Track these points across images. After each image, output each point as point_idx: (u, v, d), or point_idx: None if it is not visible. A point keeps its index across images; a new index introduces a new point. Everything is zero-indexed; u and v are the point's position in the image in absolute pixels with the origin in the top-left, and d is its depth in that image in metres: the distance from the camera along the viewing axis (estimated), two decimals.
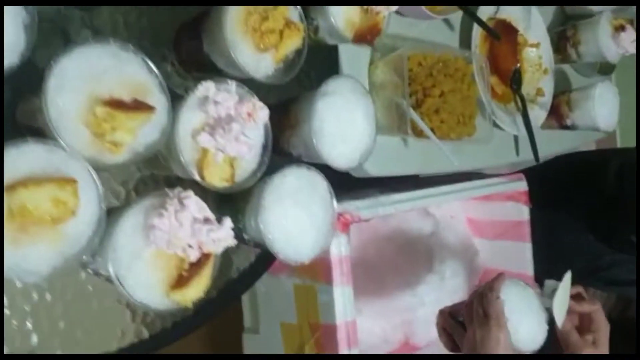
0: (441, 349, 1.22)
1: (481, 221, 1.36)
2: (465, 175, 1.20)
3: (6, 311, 0.64)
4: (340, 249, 0.96)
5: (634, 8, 1.32)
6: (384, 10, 0.77)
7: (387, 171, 0.99)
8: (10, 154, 0.52)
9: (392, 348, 1.24)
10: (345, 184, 1.07)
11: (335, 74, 0.91)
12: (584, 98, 1.19)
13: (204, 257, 0.62)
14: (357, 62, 0.96)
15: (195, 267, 0.61)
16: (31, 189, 0.51)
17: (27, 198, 0.51)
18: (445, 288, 1.22)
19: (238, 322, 1.18)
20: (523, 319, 0.84)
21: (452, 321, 0.92)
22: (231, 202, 0.75)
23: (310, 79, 0.90)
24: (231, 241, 0.63)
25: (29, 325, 0.65)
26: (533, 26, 1.23)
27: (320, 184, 0.74)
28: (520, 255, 1.30)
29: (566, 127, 1.24)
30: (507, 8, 1.18)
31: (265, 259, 0.86)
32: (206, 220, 0.61)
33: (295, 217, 0.71)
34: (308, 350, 1.01)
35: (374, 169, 0.97)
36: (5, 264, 0.51)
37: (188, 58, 0.76)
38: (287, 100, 0.80)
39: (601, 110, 1.17)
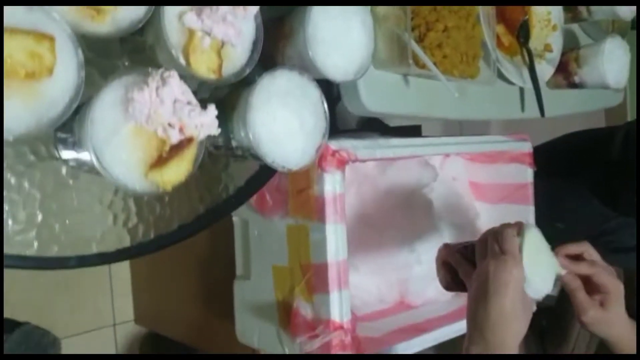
0: (436, 310, 1.19)
1: (484, 184, 1.33)
2: None
3: None
4: (334, 186, 0.94)
5: None
6: None
7: (386, 108, 0.97)
8: None
9: (387, 307, 1.21)
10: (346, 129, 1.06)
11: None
12: (593, 54, 1.16)
13: (186, 141, 0.60)
14: None
15: (176, 149, 0.59)
16: (6, 37, 0.49)
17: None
18: None
19: (232, 274, 1.16)
20: (536, 264, 0.81)
21: (459, 255, 0.88)
22: (220, 109, 0.73)
23: None
24: (214, 129, 0.61)
25: (5, 210, 0.63)
26: None
27: (312, 91, 0.72)
28: (522, 219, 1.26)
29: (574, 85, 1.21)
30: None
31: (257, 179, 0.83)
32: (189, 103, 0.59)
33: (284, 120, 0.69)
34: (298, 292, 0.98)
35: (373, 105, 0.95)
36: None
37: None
38: (283, 12, 0.78)
39: (610, 65, 1.14)
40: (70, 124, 0.61)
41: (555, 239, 0.85)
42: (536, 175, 1.25)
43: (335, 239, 0.94)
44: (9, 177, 0.63)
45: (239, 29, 0.63)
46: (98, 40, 0.58)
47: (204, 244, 1.29)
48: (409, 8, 0.90)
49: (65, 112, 0.54)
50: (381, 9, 0.94)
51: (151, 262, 1.50)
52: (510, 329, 0.75)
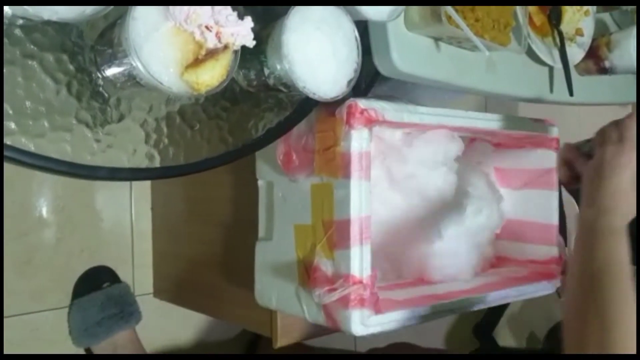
0: (457, 285, 1.18)
1: (508, 170, 1.33)
2: None
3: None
4: (361, 143, 0.94)
5: None
6: None
7: (416, 70, 0.98)
8: None
9: (406, 282, 1.20)
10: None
11: None
12: (624, 37, 1.16)
13: (222, 48, 0.61)
14: None
15: (212, 52, 0.60)
16: None
17: None
18: (464, 224, 1.18)
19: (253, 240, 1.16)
20: None
21: (577, 151, 0.93)
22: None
23: None
24: (249, 40, 0.63)
25: (41, 112, 0.65)
26: None
27: (346, 23, 0.73)
28: (546, 204, 1.26)
29: (604, 71, 1.21)
30: None
31: (287, 122, 0.85)
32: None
33: (318, 44, 0.70)
34: (319, 249, 0.98)
35: (403, 65, 0.96)
36: None
37: None
38: None
39: None
40: (109, 36, 0.64)
41: None
42: None
43: (359, 195, 0.94)
44: (48, 82, 0.65)
45: None
46: None
47: (227, 210, 1.30)
48: None
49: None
50: None
51: (173, 232, 1.52)
52: (626, 201, 0.79)
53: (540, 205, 1.26)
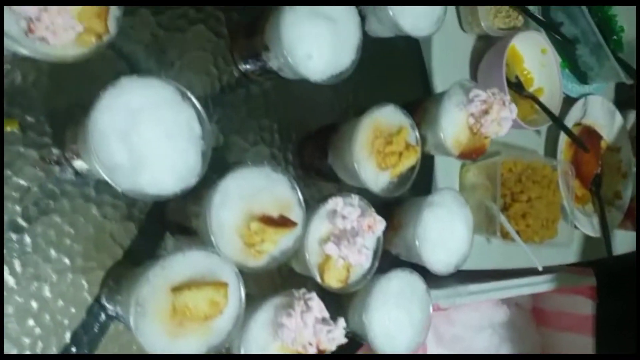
0: None
1: (547, 311, 1.40)
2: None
3: None
4: None
5: None
6: (492, 135, 0.84)
7: (469, 265, 1.06)
8: (177, 258, 0.61)
9: None
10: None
11: (429, 174, 1.00)
12: None
13: (319, 353, 0.70)
14: (450, 164, 1.04)
15: None
16: (194, 291, 0.60)
17: (190, 299, 0.60)
18: None
19: None
20: None
21: None
22: (335, 296, 0.82)
23: None
24: (343, 339, 0.71)
25: None
26: (615, 130, 1.28)
27: (419, 286, 0.82)
28: (582, 349, 1.33)
29: None
30: (592, 113, 1.24)
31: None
32: (324, 320, 0.69)
33: (397, 318, 0.78)
34: None
35: None
36: (162, 352, 0.60)
37: (310, 165, 0.85)
38: (389, 203, 0.88)
39: None
40: None
41: None
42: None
43: None
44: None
45: (369, 256, 0.73)
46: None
47: None
48: (499, 182, 0.99)
49: (228, 338, 0.64)
50: (470, 179, 1.04)
51: None
52: None
53: (576, 349, 1.34)
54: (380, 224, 0.74)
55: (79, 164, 0.66)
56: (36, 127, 0.64)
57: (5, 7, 0.50)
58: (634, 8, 1.22)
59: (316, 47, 0.71)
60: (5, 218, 0.62)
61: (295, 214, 0.68)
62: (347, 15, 0.74)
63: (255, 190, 0.65)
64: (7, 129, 0.61)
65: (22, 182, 0.63)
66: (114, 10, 0.57)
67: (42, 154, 0.64)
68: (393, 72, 0.99)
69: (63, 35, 0.52)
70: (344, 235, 0.72)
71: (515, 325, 1.34)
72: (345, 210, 0.72)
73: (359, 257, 0.72)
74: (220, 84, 0.80)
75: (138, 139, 0.57)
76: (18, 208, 0.63)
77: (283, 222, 0.66)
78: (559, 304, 1.37)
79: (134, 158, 0.57)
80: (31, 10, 0.51)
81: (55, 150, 0.65)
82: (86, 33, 0.54)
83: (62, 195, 0.66)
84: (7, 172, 0.62)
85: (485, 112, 0.83)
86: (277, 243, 0.67)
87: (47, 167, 0.64)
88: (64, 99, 0.65)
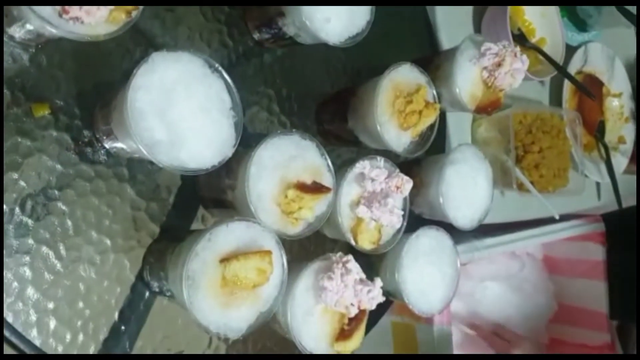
0: None
1: (558, 259, 1.43)
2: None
3: None
4: None
5: None
6: (507, 87, 0.85)
7: (486, 219, 1.08)
8: (221, 230, 0.61)
9: None
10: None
11: (442, 132, 1.01)
12: None
13: (361, 313, 0.71)
14: (461, 118, 1.05)
15: (355, 321, 0.70)
16: (241, 261, 0.61)
17: (239, 268, 0.60)
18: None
19: None
20: None
21: None
22: (365, 257, 0.84)
23: None
24: (381, 298, 0.72)
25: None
26: (616, 76, 1.30)
27: (447, 243, 0.83)
28: (595, 293, 1.36)
29: None
30: (593, 60, 1.25)
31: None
32: (362, 281, 0.70)
33: (429, 274, 0.80)
34: None
35: None
36: (216, 323, 0.61)
37: (330, 131, 0.85)
38: (408, 163, 0.89)
39: None
40: None
41: None
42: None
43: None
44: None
45: (400, 216, 0.74)
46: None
47: None
48: (512, 133, 1.01)
49: (275, 304, 0.65)
50: (482, 134, 1.05)
51: None
52: None
53: (588, 294, 1.37)
54: (408, 184, 0.75)
55: (109, 144, 0.66)
56: (66, 110, 0.63)
57: None
58: None
59: (334, 10, 0.71)
60: (46, 203, 0.62)
61: (326, 179, 0.69)
62: None
63: (288, 159, 0.66)
64: (40, 113, 0.61)
65: (58, 166, 0.63)
66: None
67: (74, 136, 0.64)
68: (399, 31, 0.99)
69: (97, 13, 0.51)
70: (374, 198, 0.73)
71: (529, 275, 1.37)
72: (373, 172, 0.73)
73: (390, 217, 0.73)
74: (235, 54, 0.80)
75: (175, 114, 0.57)
76: (57, 193, 0.63)
77: (318, 188, 0.67)
78: (570, 252, 1.40)
79: (172, 134, 0.57)
80: None
81: (86, 132, 0.65)
82: (116, 10, 0.54)
83: (97, 176, 0.66)
84: (43, 157, 0.62)
85: (498, 64, 0.83)
86: (313, 209, 0.68)
87: (81, 149, 0.64)
88: (89, 79, 0.65)
